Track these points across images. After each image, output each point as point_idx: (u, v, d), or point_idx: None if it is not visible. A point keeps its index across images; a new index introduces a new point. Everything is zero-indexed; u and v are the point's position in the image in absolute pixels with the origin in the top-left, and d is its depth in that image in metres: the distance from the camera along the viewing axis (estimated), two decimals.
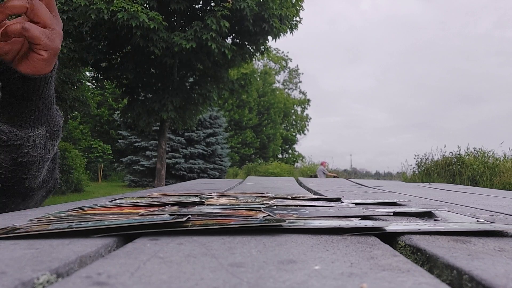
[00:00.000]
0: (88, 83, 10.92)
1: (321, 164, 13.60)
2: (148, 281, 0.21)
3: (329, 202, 0.68)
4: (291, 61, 38.69)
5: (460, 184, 5.35)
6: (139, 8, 6.03)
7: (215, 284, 0.20)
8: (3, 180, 0.68)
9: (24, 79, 0.61)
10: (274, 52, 31.11)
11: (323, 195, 0.86)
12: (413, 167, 10.57)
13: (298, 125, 32.38)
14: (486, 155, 9.39)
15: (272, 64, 31.91)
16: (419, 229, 0.37)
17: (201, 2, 7.54)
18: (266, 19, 6.89)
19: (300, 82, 34.11)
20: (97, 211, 0.48)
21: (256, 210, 0.48)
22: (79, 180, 10.45)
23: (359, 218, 0.45)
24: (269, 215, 0.43)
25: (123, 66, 7.54)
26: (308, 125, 32.72)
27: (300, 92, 33.98)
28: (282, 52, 32.53)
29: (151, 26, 6.10)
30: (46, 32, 0.60)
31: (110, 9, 5.97)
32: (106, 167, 19.77)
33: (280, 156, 29.93)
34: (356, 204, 0.68)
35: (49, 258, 0.26)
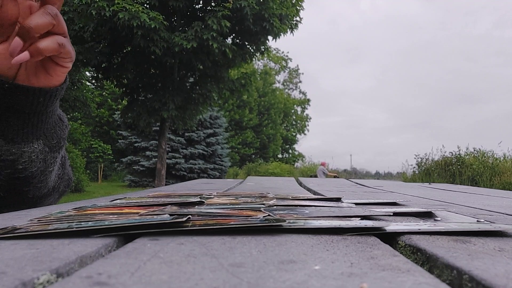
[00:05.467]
0: (88, 83, 10.92)
1: (321, 164, 13.61)
2: (149, 281, 0.21)
3: (329, 202, 0.68)
4: (291, 61, 38.72)
5: (460, 184, 5.35)
6: (140, 8, 6.04)
7: (215, 284, 0.20)
8: (3, 191, 0.63)
9: (15, 91, 0.56)
10: (274, 52, 31.12)
11: (323, 195, 0.86)
12: (413, 167, 10.57)
13: (298, 125, 32.39)
14: (486, 155, 9.39)
15: (272, 64, 31.91)
16: (419, 229, 0.37)
17: (201, 2, 7.54)
18: (266, 18, 6.89)
19: (300, 82, 34.12)
20: (97, 211, 0.48)
21: (256, 210, 0.48)
22: (79, 180, 10.45)
23: (359, 218, 0.45)
24: (269, 215, 0.43)
25: (124, 66, 7.54)
26: (308, 125, 32.74)
27: (300, 92, 33.99)
28: (282, 52, 32.55)
29: (152, 26, 6.10)
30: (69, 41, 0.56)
31: (111, 9, 5.97)
32: (106, 167, 19.77)
33: (280, 156, 29.93)
34: (356, 204, 0.68)
35: (49, 258, 0.26)
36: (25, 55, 0.51)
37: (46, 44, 0.52)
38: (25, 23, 0.49)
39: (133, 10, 5.96)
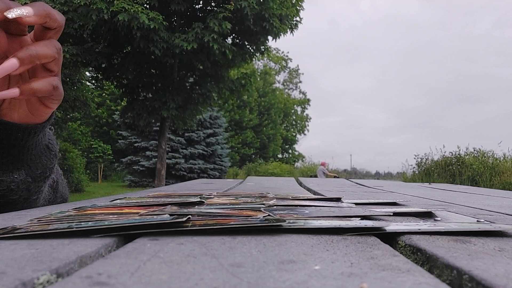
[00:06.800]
0: (88, 83, 10.93)
1: (321, 164, 13.63)
2: (148, 281, 0.21)
3: (329, 202, 0.68)
4: (291, 61, 38.78)
5: (460, 184, 5.35)
6: (139, 9, 6.03)
7: (215, 284, 0.20)
8: None
9: None
10: (274, 52, 31.13)
11: (323, 195, 0.86)
12: (413, 167, 10.58)
13: (298, 125, 32.40)
14: (486, 155, 9.39)
15: (272, 64, 31.92)
16: (419, 229, 0.37)
17: (201, 2, 7.54)
18: (266, 18, 6.89)
19: (300, 82, 34.14)
20: (97, 211, 0.48)
21: (256, 210, 0.48)
22: (79, 180, 10.46)
23: (359, 218, 0.45)
24: (269, 215, 0.43)
25: (124, 66, 7.54)
26: (308, 125, 32.77)
27: (300, 92, 34.00)
28: (282, 52, 32.56)
29: (152, 26, 6.10)
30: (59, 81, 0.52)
31: (110, 10, 5.96)
32: (106, 167, 19.78)
33: (280, 156, 29.95)
34: (356, 204, 0.68)
35: (49, 258, 0.26)
36: (15, 92, 0.46)
37: (41, 85, 0.48)
38: (30, 47, 0.45)
39: (132, 10, 5.95)
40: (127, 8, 5.95)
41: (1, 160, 0.55)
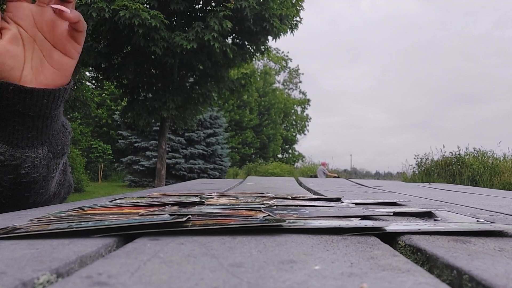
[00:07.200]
0: (88, 83, 10.92)
1: (322, 164, 13.63)
2: (149, 281, 0.21)
3: (329, 202, 0.68)
4: (291, 61, 38.78)
5: (460, 184, 5.35)
6: (141, 7, 6.03)
7: (215, 284, 0.20)
8: (5, 197, 0.63)
9: (20, 93, 0.54)
10: (274, 52, 31.11)
11: (323, 195, 0.86)
12: (413, 167, 10.58)
13: (298, 125, 32.39)
14: (486, 155, 9.39)
15: (272, 64, 31.91)
16: (419, 229, 0.37)
17: (201, 2, 7.54)
18: (267, 18, 6.89)
19: (300, 82, 34.12)
20: (97, 211, 0.48)
21: (256, 210, 0.48)
22: (79, 180, 10.45)
23: (359, 218, 0.45)
24: (269, 215, 0.43)
25: (124, 66, 7.53)
26: (308, 125, 32.74)
27: (300, 92, 33.99)
28: (282, 52, 32.53)
29: (153, 24, 6.10)
30: None
31: (111, 8, 5.96)
32: (106, 167, 19.77)
33: (280, 156, 29.94)
34: (356, 204, 0.68)
35: (49, 258, 0.26)
36: (66, 8, 0.54)
37: (73, 13, 0.55)
38: None
39: (133, 7, 5.95)
40: (128, 5, 5.96)
41: (27, 135, 0.58)
